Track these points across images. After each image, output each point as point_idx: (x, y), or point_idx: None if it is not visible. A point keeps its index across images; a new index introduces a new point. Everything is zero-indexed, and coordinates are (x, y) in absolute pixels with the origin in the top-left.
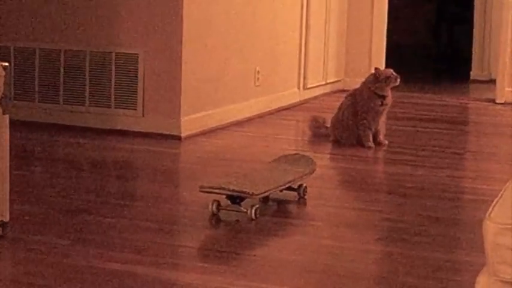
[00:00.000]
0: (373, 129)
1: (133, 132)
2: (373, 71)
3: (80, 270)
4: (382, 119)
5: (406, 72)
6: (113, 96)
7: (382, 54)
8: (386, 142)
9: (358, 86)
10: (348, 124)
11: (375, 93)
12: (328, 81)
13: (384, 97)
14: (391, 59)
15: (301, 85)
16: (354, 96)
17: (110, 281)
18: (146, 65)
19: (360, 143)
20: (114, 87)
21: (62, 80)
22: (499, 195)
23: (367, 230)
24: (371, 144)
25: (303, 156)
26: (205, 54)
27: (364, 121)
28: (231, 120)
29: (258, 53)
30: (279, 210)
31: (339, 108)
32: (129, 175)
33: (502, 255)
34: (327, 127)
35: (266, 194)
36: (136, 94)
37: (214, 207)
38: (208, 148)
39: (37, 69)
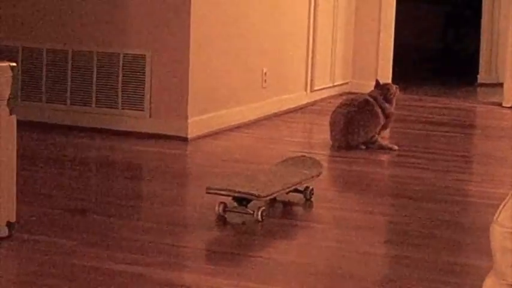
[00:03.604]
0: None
1: (140, 133)
2: (378, 83)
3: (86, 270)
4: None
5: (413, 75)
6: (120, 97)
7: (390, 57)
8: (396, 147)
9: (360, 90)
10: (343, 132)
11: (382, 110)
12: (335, 83)
13: (389, 113)
14: (398, 62)
15: (309, 87)
16: (358, 107)
17: (116, 281)
18: (154, 66)
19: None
20: (122, 88)
21: (69, 80)
22: (506, 198)
23: (373, 233)
24: (363, 146)
25: (310, 158)
26: (213, 55)
27: (367, 135)
28: (238, 122)
29: (265, 54)
30: (285, 212)
31: (339, 113)
32: (136, 176)
33: (509, 258)
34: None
35: (272, 196)
36: (143, 95)
37: (220, 208)
38: (215, 150)
39: (44, 70)
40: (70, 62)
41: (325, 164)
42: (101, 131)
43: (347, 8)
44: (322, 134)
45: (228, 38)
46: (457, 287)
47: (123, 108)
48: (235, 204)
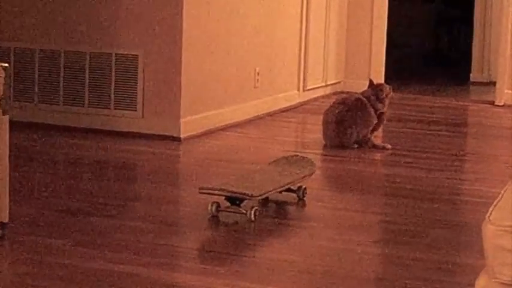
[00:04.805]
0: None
1: (133, 133)
2: (371, 82)
3: (79, 271)
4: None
5: (405, 74)
6: (112, 97)
7: (382, 56)
8: (390, 146)
9: (352, 90)
10: (335, 131)
11: (375, 110)
12: (328, 82)
13: (381, 113)
14: (391, 61)
15: (301, 87)
16: (350, 106)
17: (109, 282)
18: (146, 66)
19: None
20: (114, 89)
21: (61, 81)
22: (499, 197)
23: (366, 232)
24: (356, 145)
25: (303, 157)
26: (205, 55)
27: (359, 134)
28: (231, 121)
29: (257, 54)
30: (278, 211)
31: (331, 112)
32: (129, 176)
33: (502, 257)
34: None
35: (265, 195)
36: (136, 95)
37: (213, 208)
38: (207, 149)
39: (37, 70)
40: (62, 63)
41: (318, 164)
42: (93, 131)
43: (339, 8)
44: (315, 134)
45: (221, 37)
46: (450, 286)
47: (115, 109)
48: (228, 204)
